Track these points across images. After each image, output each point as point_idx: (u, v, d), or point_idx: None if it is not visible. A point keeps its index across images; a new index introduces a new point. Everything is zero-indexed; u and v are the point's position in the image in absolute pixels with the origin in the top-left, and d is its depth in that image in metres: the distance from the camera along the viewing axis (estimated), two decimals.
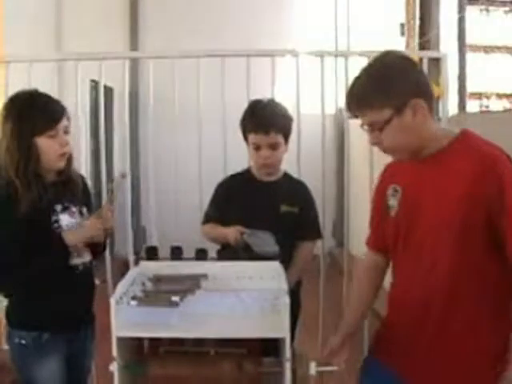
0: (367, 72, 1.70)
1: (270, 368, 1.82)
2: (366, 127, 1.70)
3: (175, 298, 1.69)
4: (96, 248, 2.13)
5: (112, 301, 1.63)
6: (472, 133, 1.73)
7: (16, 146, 1.91)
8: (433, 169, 1.68)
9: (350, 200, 3.37)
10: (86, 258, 2.08)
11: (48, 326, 1.99)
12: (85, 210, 2.10)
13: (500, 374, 1.59)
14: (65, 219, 2.00)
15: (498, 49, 7.07)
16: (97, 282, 2.25)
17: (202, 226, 2.47)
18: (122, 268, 3.32)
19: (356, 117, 1.72)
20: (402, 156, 1.75)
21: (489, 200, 1.57)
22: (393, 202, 1.77)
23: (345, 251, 3.44)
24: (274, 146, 2.28)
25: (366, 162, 3.19)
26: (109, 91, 4.90)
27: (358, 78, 1.70)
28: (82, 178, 2.19)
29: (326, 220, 2.95)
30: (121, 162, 4.75)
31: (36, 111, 1.92)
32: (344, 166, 3.48)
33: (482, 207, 1.58)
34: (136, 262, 3.18)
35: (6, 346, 2.96)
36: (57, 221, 1.98)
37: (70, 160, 2.07)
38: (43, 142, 1.92)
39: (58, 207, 2.00)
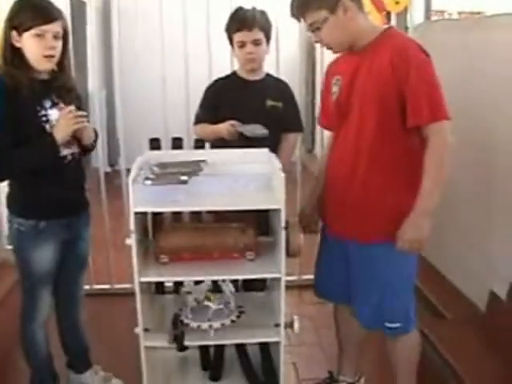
0: None
1: (266, 238, 2.10)
2: (309, 29, 2.03)
3: (184, 177, 1.92)
4: (85, 146, 2.26)
5: (129, 181, 1.86)
6: (396, 30, 2.13)
7: (4, 37, 2.03)
8: (363, 58, 2.00)
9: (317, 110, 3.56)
10: (74, 149, 2.19)
11: (44, 215, 2.14)
12: (73, 107, 2.17)
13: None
14: (53, 114, 2.11)
15: None
16: None
17: (194, 127, 2.67)
18: (99, 179, 3.51)
19: (299, 20, 2.07)
20: (340, 49, 2.08)
21: (398, 81, 1.89)
22: (335, 89, 2.10)
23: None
24: (257, 42, 2.51)
25: None
26: (82, 6, 4.89)
27: None
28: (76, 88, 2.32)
29: None
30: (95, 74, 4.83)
31: (28, 9, 2.02)
32: (313, 77, 3.66)
33: (393, 86, 1.90)
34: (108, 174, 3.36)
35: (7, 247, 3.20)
36: (45, 115, 2.08)
37: (64, 67, 2.18)
38: (28, 39, 2.02)
39: (47, 103, 2.11)
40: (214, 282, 2.16)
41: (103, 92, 5.78)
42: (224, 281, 2.08)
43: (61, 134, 2.07)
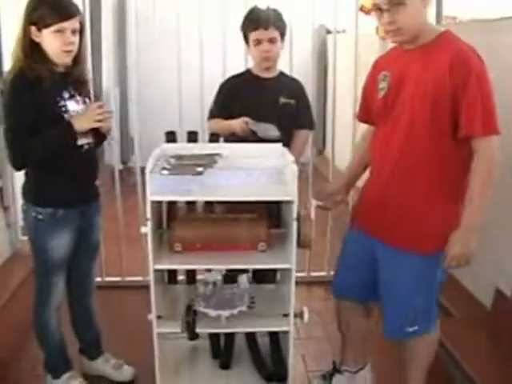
0: None
1: (278, 229, 2.15)
2: (382, 7, 1.90)
3: (200, 169, 1.97)
4: (99, 136, 2.33)
5: (147, 171, 1.91)
6: (453, 34, 2.02)
7: (23, 32, 2.09)
8: (417, 58, 1.97)
9: (331, 112, 3.62)
10: (90, 139, 2.27)
11: (62, 203, 2.21)
12: (88, 100, 2.30)
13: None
14: (71, 105, 2.19)
15: None
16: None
17: (208, 122, 2.73)
18: (111, 176, 3.57)
19: None
20: (405, 38, 1.96)
21: (455, 87, 1.86)
22: (383, 85, 2.07)
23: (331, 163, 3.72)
24: (272, 40, 2.56)
25: (348, 73, 3.45)
26: (97, 2, 4.97)
27: None
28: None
29: None
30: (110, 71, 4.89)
31: (47, 6, 2.08)
32: (326, 78, 3.70)
33: (449, 91, 1.86)
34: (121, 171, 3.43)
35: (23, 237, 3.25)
36: (64, 105, 2.17)
37: (80, 60, 2.24)
38: (48, 36, 2.08)
39: (66, 94, 2.19)
40: (229, 274, 2.22)
41: (117, 89, 5.85)
42: (242, 272, 2.13)
43: (82, 124, 2.15)
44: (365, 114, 2.25)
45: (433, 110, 1.90)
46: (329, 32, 6.04)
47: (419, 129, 1.94)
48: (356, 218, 2.25)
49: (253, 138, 2.40)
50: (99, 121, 2.17)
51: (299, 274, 3.23)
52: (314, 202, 2.20)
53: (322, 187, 2.38)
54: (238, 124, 2.48)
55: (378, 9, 1.94)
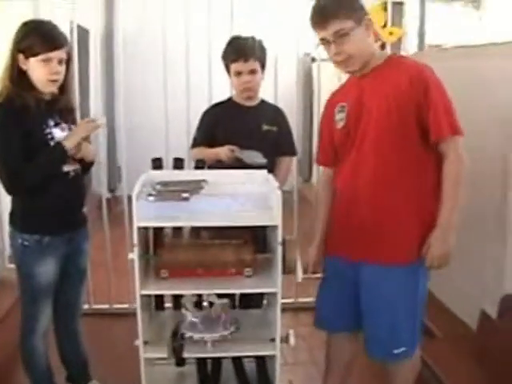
0: None
1: (263, 254, 2.18)
2: (329, 39, 2.00)
3: (185, 195, 2.00)
4: (85, 164, 2.38)
5: (133, 197, 1.94)
6: (402, 55, 2.19)
7: (11, 59, 2.14)
8: (372, 80, 2.07)
9: (315, 139, 3.67)
10: (76, 165, 2.31)
11: (48, 230, 2.24)
12: (73, 127, 2.32)
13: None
14: (57, 133, 2.23)
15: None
16: None
17: (192, 150, 2.77)
18: (98, 205, 3.59)
19: (321, 28, 2.00)
20: (357, 66, 2.06)
21: (418, 97, 1.95)
22: (341, 116, 2.14)
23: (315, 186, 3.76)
24: (252, 72, 2.62)
25: None
26: (85, 33, 5.03)
27: None
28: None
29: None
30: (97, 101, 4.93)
31: (36, 35, 2.14)
32: (311, 106, 3.77)
33: (412, 102, 1.96)
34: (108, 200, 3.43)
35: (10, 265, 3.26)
36: (50, 133, 2.20)
37: (66, 90, 2.30)
38: (34, 64, 2.14)
39: (51, 122, 2.23)
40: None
41: (104, 118, 5.87)
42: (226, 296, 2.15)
43: (71, 139, 2.20)
44: (325, 156, 2.28)
45: (400, 123, 1.99)
46: (314, 60, 6.14)
47: (388, 146, 2.01)
48: (333, 246, 2.26)
49: (239, 165, 2.44)
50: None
51: (287, 300, 3.27)
52: (300, 276, 2.17)
53: (306, 262, 2.32)
54: (223, 152, 2.52)
55: (326, 42, 2.03)
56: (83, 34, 5.03)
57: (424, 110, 1.97)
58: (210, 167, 2.67)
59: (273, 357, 2.14)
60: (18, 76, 2.15)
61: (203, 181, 2.20)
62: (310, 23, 2.06)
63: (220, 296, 2.19)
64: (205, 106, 2.88)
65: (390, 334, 2.10)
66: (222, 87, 3.16)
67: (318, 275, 2.32)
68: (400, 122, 1.99)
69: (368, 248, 2.10)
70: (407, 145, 2.01)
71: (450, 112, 1.98)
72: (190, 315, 2.14)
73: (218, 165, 2.55)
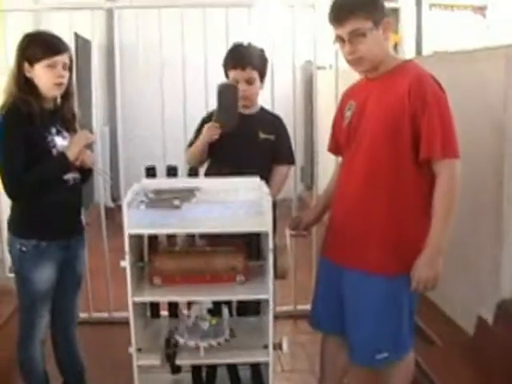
0: None
1: (255, 261, 2.19)
2: (344, 37, 1.99)
3: (177, 202, 2.02)
4: (85, 172, 2.41)
5: (124, 205, 1.96)
6: (414, 63, 2.11)
7: (17, 68, 2.22)
8: (379, 86, 2.07)
9: (317, 146, 3.69)
10: (76, 174, 2.35)
11: (46, 235, 2.27)
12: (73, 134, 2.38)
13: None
14: (58, 141, 2.29)
15: (462, 7, 7.21)
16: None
17: (185, 152, 2.75)
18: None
19: (339, 25, 1.99)
20: (366, 67, 2.06)
21: (415, 108, 1.94)
22: (348, 114, 2.16)
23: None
24: (249, 81, 2.60)
25: (332, 110, 3.52)
26: (87, 44, 5.07)
27: None
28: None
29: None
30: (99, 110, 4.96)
31: (39, 43, 2.23)
32: (312, 114, 3.77)
33: (408, 113, 1.94)
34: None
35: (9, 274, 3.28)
36: (52, 140, 2.26)
37: (68, 97, 2.36)
38: (40, 70, 2.21)
39: (53, 130, 2.29)
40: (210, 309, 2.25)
41: (107, 128, 5.93)
42: (224, 304, 2.16)
43: (72, 148, 2.25)
44: (333, 145, 2.33)
45: (393, 133, 1.98)
46: (318, 68, 6.15)
47: (380, 154, 2.01)
48: (324, 246, 2.29)
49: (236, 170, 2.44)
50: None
51: (285, 308, 3.27)
52: (288, 232, 2.23)
53: (299, 218, 2.42)
54: (205, 133, 2.51)
55: (340, 40, 2.03)
56: (85, 44, 5.10)
57: (419, 124, 1.94)
58: (207, 174, 2.67)
59: (267, 364, 2.14)
60: (25, 84, 2.22)
61: (196, 188, 2.23)
62: (328, 18, 2.05)
63: (217, 303, 2.21)
64: (202, 114, 2.90)
65: (369, 341, 2.09)
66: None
67: (304, 233, 2.41)
68: (393, 132, 1.97)
69: (347, 253, 2.12)
70: (398, 158, 1.99)
71: (446, 132, 1.93)
72: (185, 322, 2.15)
73: (216, 171, 2.54)
